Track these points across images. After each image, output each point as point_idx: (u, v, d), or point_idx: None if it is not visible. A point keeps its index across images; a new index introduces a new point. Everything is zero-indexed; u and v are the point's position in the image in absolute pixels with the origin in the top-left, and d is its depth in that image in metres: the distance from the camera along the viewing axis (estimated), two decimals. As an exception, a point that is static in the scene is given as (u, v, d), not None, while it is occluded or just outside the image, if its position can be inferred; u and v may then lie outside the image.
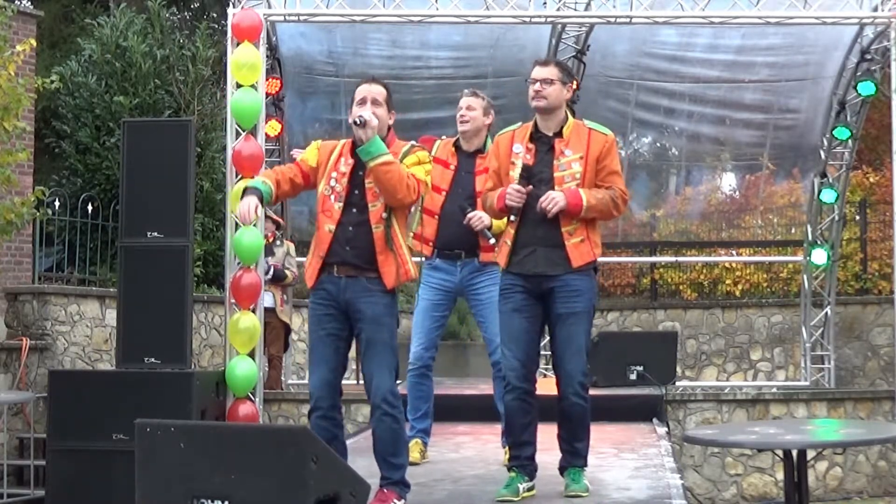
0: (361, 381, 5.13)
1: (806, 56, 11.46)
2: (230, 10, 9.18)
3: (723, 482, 9.77)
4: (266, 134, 9.49)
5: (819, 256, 12.01)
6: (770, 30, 10.69)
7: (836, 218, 12.06)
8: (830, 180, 11.80)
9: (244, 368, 8.75)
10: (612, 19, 9.64)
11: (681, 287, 15.91)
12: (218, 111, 13.95)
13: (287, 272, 10.12)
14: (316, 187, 5.18)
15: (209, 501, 4.37)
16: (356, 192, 5.07)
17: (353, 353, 5.20)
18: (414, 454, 6.17)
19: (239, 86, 9.05)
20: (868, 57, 10.64)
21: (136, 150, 8.36)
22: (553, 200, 5.19)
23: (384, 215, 5.03)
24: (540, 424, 5.43)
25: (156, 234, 8.24)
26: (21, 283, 11.44)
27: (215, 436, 4.60)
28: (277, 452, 4.34)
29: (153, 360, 8.10)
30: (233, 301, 8.89)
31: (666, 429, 8.46)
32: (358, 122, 4.98)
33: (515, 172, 5.32)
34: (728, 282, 15.61)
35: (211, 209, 13.54)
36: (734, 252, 15.51)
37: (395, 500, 5.03)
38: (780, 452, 4.70)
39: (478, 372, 13.58)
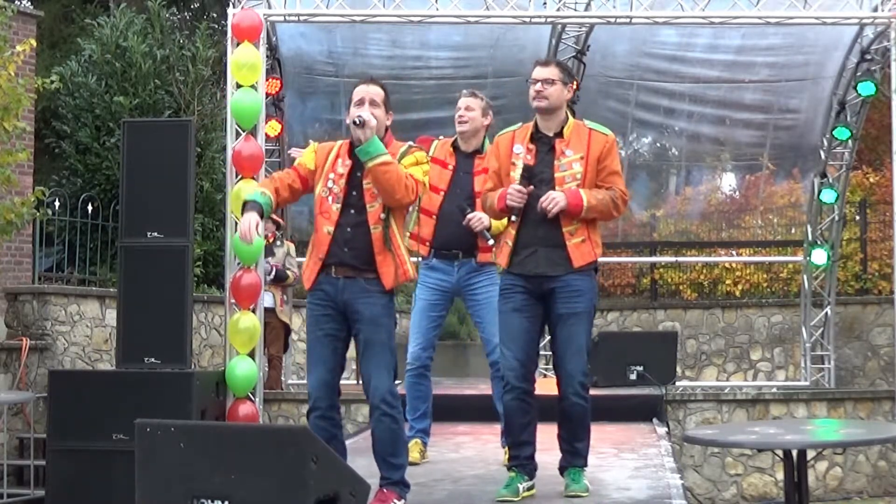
0: (361, 382, 5.13)
1: (806, 56, 11.46)
2: (230, 11, 9.18)
3: (723, 482, 9.76)
4: (266, 134, 9.49)
5: (819, 256, 12.01)
6: (770, 30, 10.68)
7: (836, 218, 12.05)
8: (830, 180, 11.80)
9: (244, 368, 8.75)
10: (612, 19, 9.64)
11: (681, 287, 15.90)
12: (218, 111, 13.95)
13: (288, 272, 10.12)
14: (314, 190, 5.18)
15: (209, 501, 4.37)
16: (354, 193, 5.06)
17: (352, 353, 5.19)
18: (413, 454, 6.17)
19: (239, 86, 9.05)
20: (868, 57, 10.64)
21: (136, 151, 8.36)
22: (553, 200, 5.19)
23: (382, 216, 5.03)
24: (540, 424, 5.43)
25: (156, 234, 8.23)
26: (21, 283, 11.44)
27: (215, 436, 4.60)
28: (277, 452, 4.34)
29: (153, 360, 8.09)
30: (233, 301, 8.88)
31: (666, 429, 8.46)
32: (357, 123, 4.97)
33: (516, 173, 5.31)
34: (728, 282, 15.60)
35: (211, 209, 13.54)
36: (734, 252, 15.50)
37: (395, 500, 5.03)
38: (780, 452, 4.69)
39: (477, 372, 13.55)
